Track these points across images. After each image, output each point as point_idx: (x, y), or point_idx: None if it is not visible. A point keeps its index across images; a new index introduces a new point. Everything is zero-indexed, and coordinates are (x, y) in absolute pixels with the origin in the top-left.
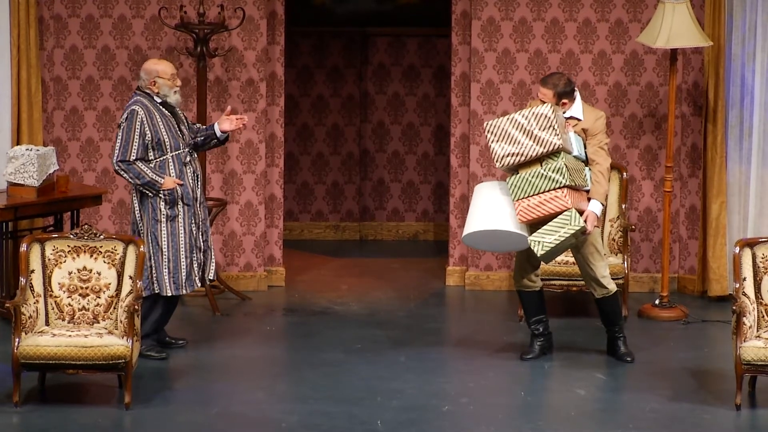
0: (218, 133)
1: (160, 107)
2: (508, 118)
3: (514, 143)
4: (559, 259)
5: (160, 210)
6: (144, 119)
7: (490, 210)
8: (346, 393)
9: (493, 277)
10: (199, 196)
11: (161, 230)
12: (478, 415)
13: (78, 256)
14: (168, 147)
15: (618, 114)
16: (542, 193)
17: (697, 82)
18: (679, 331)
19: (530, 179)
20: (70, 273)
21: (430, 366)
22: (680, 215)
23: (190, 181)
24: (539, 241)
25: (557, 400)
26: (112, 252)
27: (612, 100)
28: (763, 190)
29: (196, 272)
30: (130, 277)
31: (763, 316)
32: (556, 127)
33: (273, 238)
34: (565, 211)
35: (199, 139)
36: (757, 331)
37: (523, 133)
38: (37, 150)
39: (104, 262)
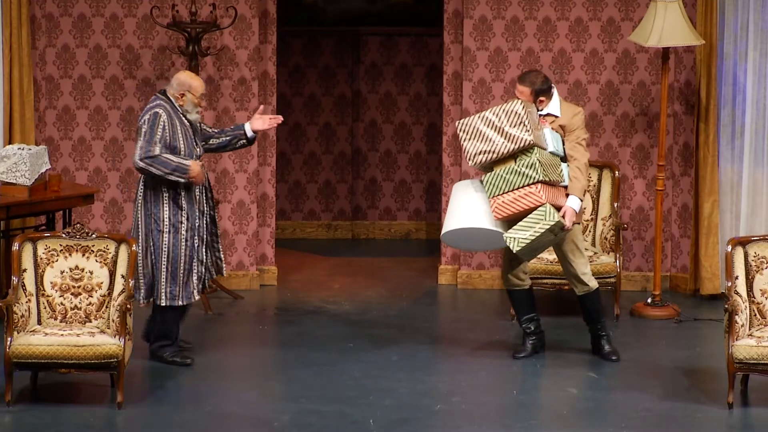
0: (249, 133)
1: (180, 116)
2: (479, 116)
3: (486, 141)
4: (550, 257)
5: (163, 220)
6: (165, 123)
7: (465, 208)
8: (339, 392)
9: (485, 275)
10: (205, 208)
11: (162, 240)
12: (470, 414)
13: (70, 255)
14: (182, 155)
15: (610, 113)
16: (516, 189)
17: (689, 80)
18: (671, 330)
19: (504, 176)
20: (62, 272)
21: (423, 365)
22: (672, 214)
23: (197, 192)
24: (515, 238)
25: (549, 399)
26: (104, 251)
27: (604, 99)
28: (755, 189)
29: (195, 284)
30: (122, 276)
31: (755, 315)
32: (527, 123)
33: (265, 237)
34: (540, 206)
35: (223, 139)
36: (749, 329)
37: (494, 130)
38: (29, 149)
39: (96, 261)
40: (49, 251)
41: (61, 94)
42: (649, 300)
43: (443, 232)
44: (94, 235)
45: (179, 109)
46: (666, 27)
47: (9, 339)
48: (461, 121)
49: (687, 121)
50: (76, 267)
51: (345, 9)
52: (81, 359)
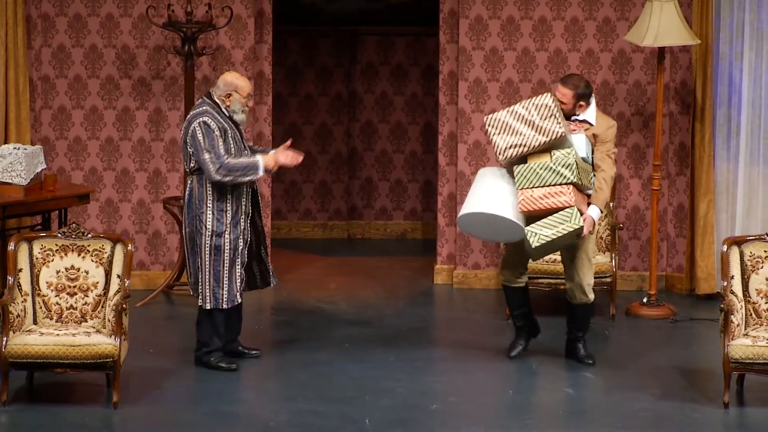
0: (260, 172)
1: (227, 119)
2: (508, 111)
3: (516, 134)
4: (547, 257)
5: (205, 223)
6: (217, 128)
7: (491, 195)
8: (335, 392)
9: (480, 275)
10: (251, 211)
11: (204, 243)
12: (467, 414)
13: (66, 255)
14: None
15: (606, 112)
16: (548, 186)
17: (684, 80)
18: (667, 330)
19: (538, 170)
20: (57, 272)
21: (419, 365)
22: (668, 213)
23: (244, 196)
24: (536, 233)
25: (546, 399)
26: (99, 251)
27: (600, 99)
28: (751, 189)
29: (238, 287)
30: (118, 276)
31: (751, 314)
32: (557, 115)
33: None
34: (567, 208)
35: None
36: (745, 329)
37: (525, 123)
38: (25, 149)
39: (92, 260)
40: (45, 251)
41: (56, 93)
42: (644, 300)
43: (465, 212)
44: (89, 235)
45: (225, 111)
46: (662, 27)
47: (5, 339)
48: (489, 116)
49: (683, 121)
50: (72, 267)
51: (342, 8)
52: (77, 359)
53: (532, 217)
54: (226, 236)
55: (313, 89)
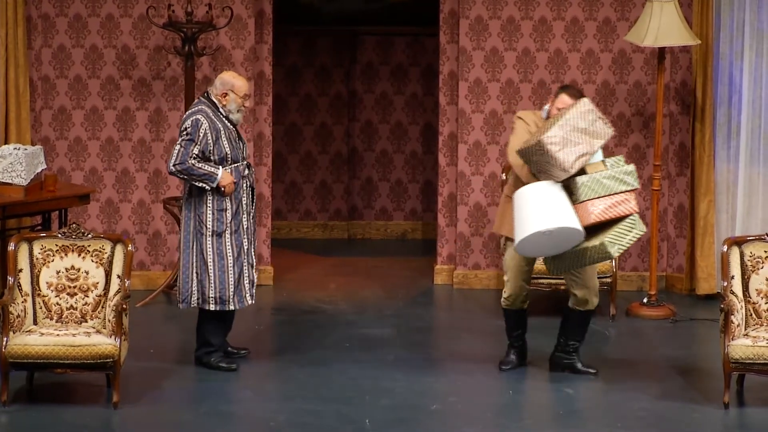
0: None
1: (223, 118)
2: (559, 126)
3: (577, 145)
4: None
5: (206, 223)
6: (208, 129)
7: (556, 209)
8: (335, 392)
9: (481, 275)
10: (252, 210)
11: (206, 244)
12: (466, 414)
13: (66, 255)
14: (229, 159)
15: (606, 113)
16: (614, 194)
17: (685, 80)
18: (667, 330)
19: (602, 180)
20: (58, 272)
21: (419, 365)
22: (668, 214)
23: (244, 195)
24: (614, 243)
25: (546, 399)
26: (100, 251)
27: (600, 99)
28: (751, 189)
29: (247, 288)
30: (118, 276)
31: (751, 315)
32: (602, 116)
33: (261, 237)
34: (630, 215)
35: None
36: (745, 329)
37: (580, 132)
38: (25, 149)
39: (92, 261)
40: (45, 251)
41: (57, 94)
42: (644, 300)
43: (532, 231)
44: (89, 235)
45: (222, 111)
46: (662, 27)
47: (5, 339)
48: (545, 135)
49: (683, 121)
50: (72, 267)
51: (342, 8)
52: (77, 359)
53: (589, 227)
54: (227, 236)
55: (312, 89)
